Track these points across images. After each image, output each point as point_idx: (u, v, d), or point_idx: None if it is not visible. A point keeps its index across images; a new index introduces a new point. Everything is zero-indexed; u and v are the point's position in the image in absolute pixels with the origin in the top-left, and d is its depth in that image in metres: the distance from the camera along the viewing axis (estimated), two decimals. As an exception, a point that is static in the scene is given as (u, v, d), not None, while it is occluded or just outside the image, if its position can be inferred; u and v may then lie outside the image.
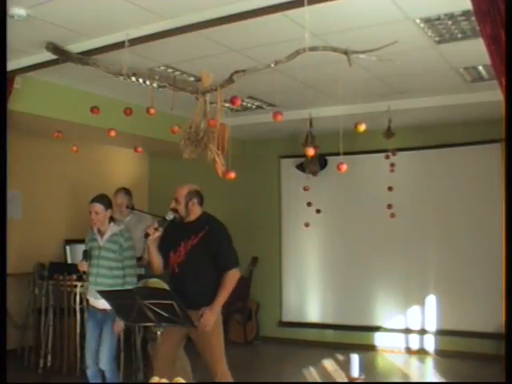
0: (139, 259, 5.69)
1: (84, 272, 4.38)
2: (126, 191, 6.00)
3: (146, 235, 3.93)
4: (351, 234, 7.29)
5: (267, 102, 6.03)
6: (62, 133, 4.93)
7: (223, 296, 3.91)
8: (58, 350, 5.83)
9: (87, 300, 4.63)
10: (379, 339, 7.08)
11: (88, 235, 4.50)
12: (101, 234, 4.38)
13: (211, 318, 3.85)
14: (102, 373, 4.42)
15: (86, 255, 4.36)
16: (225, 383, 3.97)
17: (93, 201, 4.35)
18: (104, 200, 4.39)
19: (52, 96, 5.20)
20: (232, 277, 3.94)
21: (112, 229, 4.38)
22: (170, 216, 4.01)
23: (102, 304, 4.01)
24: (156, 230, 3.93)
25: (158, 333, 3.57)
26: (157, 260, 4.03)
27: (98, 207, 4.33)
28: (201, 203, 4.08)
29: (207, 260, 3.96)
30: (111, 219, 4.42)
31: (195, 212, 4.04)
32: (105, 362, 4.27)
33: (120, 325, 4.16)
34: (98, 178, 7.34)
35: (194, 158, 3.69)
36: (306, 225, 6.66)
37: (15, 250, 5.67)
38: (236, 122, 6.25)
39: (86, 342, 4.42)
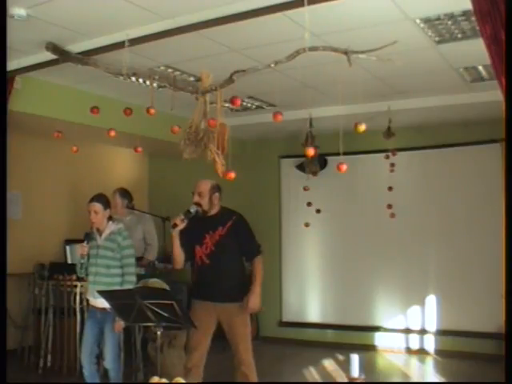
0: (139, 259, 5.69)
1: (83, 256, 4.35)
2: (122, 192, 5.91)
3: (174, 225, 3.98)
4: (351, 233, 7.29)
5: (267, 102, 6.03)
6: (61, 133, 4.92)
7: (259, 279, 4.12)
8: (58, 350, 5.82)
9: (87, 300, 4.64)
10: (379, 339, 7.08)
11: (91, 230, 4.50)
12: (99, 232, 4.39)
13: (257, 300, 4.08)
14: (104, 372, 4.43)
15: (88, 237, 4.37)
16: (224, 383, 4.06)
17: (91, 200, 4.36)
18: (102, 199, 4.40)
19: (52, 96, 5.20)
20: (260, 262, 4.17)
21: (110, 227, 4.39)
22: (193, 208, 4.07)
23: (101, 303, 4.02)
24: (182, 221, 3.98)
25: (158, 333, 3.58)
26: (181, 253, 4.11)
27: (97, 207, 4.33)
28: (220, 197, 4.22)
29: (235, 250, 4.14)
30: (110, 218, 4.43)
31: (217, 205, 4.17)
32: (109, 361, 4.29)
33: (120, 324, 4.16)
34: (97, 178, 7.34)
35: (193, 158, 3.69)
36: (306, 225, 6.66)
37: (15, 250, 5.66)
38: (236, 122, 6.24)
39: (82, 342, 4.41)
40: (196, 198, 4.12)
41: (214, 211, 4.15)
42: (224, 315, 4.08)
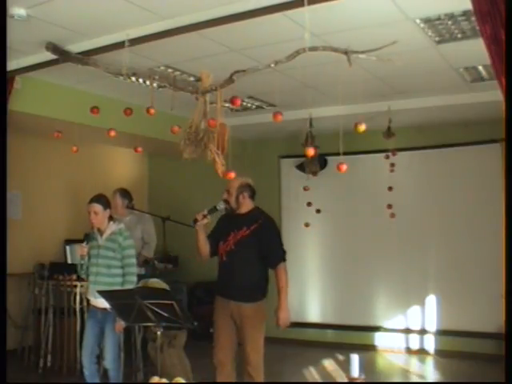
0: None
1: (82, 256, 4.37)
2: (122, 192, 5.90)
3: (195, 221, 4.05)
4: (351, 233, 7.29)
5: (267, 102, 6.03)
6: (61, 133, 4.93)
7: (284, 292, 4.10)
8: (57, 350, 5.83)
9: (88, 300, 4.64)
10: (379, 339, 7.08)
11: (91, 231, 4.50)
12: (100, 233, 4.39)
13: (285, 315, 4.08)
14: (104, 372, 4.43)
15: (88, 238, 4.37)
16: (223, 383, 4.06)
17: (91, 201, 4.36)
18: (102, 200, 4.40)
19: (52, 96, 5.20)
20: (282, 271, 4.11)
21: (111, 228, 4.38)
22: (220, 206, 4.15)
23: (102, 303, 4.02)
24: (204, 216, 4.04)
25: (158, 333, 3.58)
26: (204, 246, 4.18)
27: (97, 207, 4.33)
28: (252, 197, 4.21)
29: (254, 252, 4.11)
30: (111, 218, 4.43)
31: (246, 205, 4.17)
32: (109, 361, 4.29)
33: (121, 324, 4.16)
34: (97, 178, 7.34)
35: (193, 158, 3.68)
36: (306, 225, 6.66)
37: (15, 250, 5.67)
38: (236, 122, 6.24)
39: (83, 342, 4.41)
40: (225, 195, 4.17)
41: (243, 210, 4.17)
42: (236, 314, 4.09)
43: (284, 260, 4.15)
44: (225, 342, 4.12)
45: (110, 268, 4.29)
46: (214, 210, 4.11)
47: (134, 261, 4.41)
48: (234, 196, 4.14)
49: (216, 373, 4.10)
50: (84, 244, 4.35)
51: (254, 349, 4.07)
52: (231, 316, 4.10)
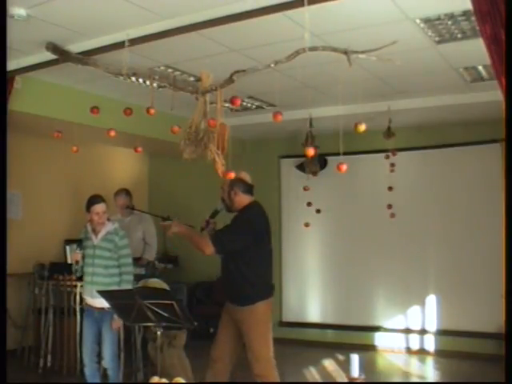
0: (139, 259, 5.70)
1: (77, 262, 4.35)
2: (127, 192, 6.01)
3: (202, 228, 4.00)
4: (351, 233, 7.28)
5: (267, 102, 6.03)
6: (61, 133, 4.93)
7: (195, 240, 3.90)
8: (58, 350, 5.82)
9: (84, 299, 4.64)
10: (379, 339, 7.08)
11: (82, 233, 4.50)
12: (95, 232, 4.36)
13: (175, 228, 3.91)
14: (104, 371, 4.43)
15: (81, 245, 4.36)
16: (215, 383, 4.04)
17: (97, 202, 4.31)
18: (103, 199, 4.41)
19: (52, 96, 5.20)
20: (205, 243, 3.80)
21: (107, 227, 4.37)
22: (219, 206, 4.01)
23: (99, 303, 4.02)
24: (208, 222, 3.98)
25: (158, 333, 3.58)
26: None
27: (104, 206, 4.33)
28: (246, 191, 4.01)
29: (239, 252, 3.92)
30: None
31: (240, 201, 3.98)
32: (107, 360, 4.29)
33: (118, 322, 4.16)
34: (97, 178, 7.34)
35: (193, 158, 3.68)
36: (306, 225, 6.65)
37: (15, 250, 5.67)
38: (236, 122, 6.25)
39: (83, 341, 4.42)
40: (220, 193, 4.02)
41: (237, 207, 3.98)
42: (234, 317, 4.01)
43: (217, 246, 3.78)
44: (221, 340, 4.06)
45: (107, 268, 4.28)
46: (215, 212, 4.02)
47: (130, 260, 4.40)
48: (227, 193, 3.97)
49: (209, 367, 4.06)
50: (78, 250, 4.34)
51: (255, 357, 3.88)
52: (233, 318, 4.02)
